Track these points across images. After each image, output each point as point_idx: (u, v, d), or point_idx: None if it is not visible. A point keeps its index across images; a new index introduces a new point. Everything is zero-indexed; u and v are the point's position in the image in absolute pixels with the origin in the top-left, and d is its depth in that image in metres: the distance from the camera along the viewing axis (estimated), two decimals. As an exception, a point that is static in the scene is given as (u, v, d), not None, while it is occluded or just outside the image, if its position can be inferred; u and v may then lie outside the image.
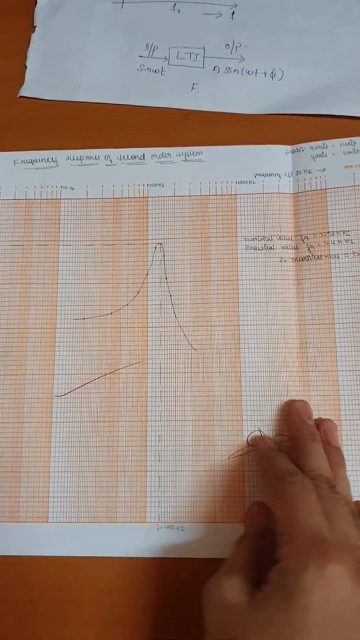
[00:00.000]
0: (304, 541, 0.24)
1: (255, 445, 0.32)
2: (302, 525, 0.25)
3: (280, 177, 0.37)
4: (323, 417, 0.33)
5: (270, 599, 0.23)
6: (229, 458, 0.33)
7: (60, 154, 0.38)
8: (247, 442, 0.33)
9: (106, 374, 0.34)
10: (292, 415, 0.32)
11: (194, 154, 0.37)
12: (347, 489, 0.30)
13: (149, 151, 0.38)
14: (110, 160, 0.38)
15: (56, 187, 0.37)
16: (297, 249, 0.35)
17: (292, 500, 0.26)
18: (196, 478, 0.32)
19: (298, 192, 0.36)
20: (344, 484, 0.30)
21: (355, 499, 0.31)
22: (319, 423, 0.32)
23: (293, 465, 0.29)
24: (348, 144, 0.37)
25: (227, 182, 0.37)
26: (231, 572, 0.26)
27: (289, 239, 0.36)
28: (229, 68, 0.40)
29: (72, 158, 0.38)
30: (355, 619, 0.22)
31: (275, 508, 0.27)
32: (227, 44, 0.41)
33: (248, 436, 0.33)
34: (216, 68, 0.40)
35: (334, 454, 0.31)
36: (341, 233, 0.35)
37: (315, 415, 0.33)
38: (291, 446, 0.32)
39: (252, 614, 0.23)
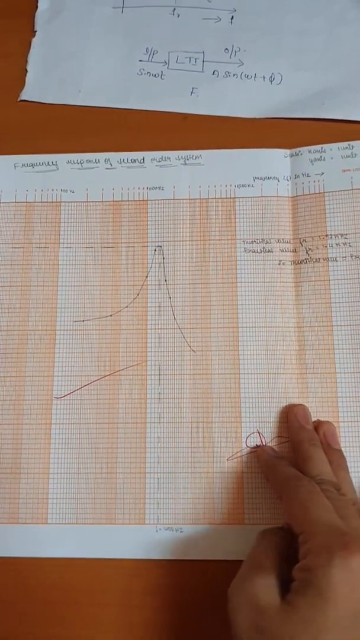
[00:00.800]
0: (324, 536, 0.24)
1: (256, 457, 0.32)
2: (319, 522, 0.25)
3: (278, 181, 0.37)
4: (322, 419, 0.33)
5: (301, 597, 0.23)
6: (227, 460, 0.33)
7: (61, 158, 0.38)
8: (246, 444, 0.33)
9: (106, 376, 0.34)
10: (290, 420, 0.32)
11: (194, 157, 0.38)
12: (352, 491, 0.30)
13: (148, 155, 0.38)
14: (110, 163, 0.38)
15: (56, 190, 0.38)
16: (295, 252, 0.36)
17: (303, 502, 0.26)
18: (195, 480, 0.32)
19: (296, 196, 0.37)
20: (349, 486, 0.30)
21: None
22: (318, 426, 0.32)
23: (296, 470, 0.29)
24: (346, 147, 0.37)
25: (226, 186, 0.37)
26: (260, 571, 0.25)
27: (287, 242, 0.36)
28: (228, 72, 0.40)
29: (72, 161, 0.38)
30: None
31: (287, 513, 0.27)
32: (226, 48, 0.41)
33: (247, 438, 0.33)
34: (215, 72, 0.40)
35: (336, 457, 0.31)
36: (339, 236, 0.35)
37: (313, 417, 0.33)
38: (292, 453, 0.32)
39: (286, 614, 0.23)
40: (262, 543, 0.27)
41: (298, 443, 0.31)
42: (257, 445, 0.33)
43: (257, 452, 0.32)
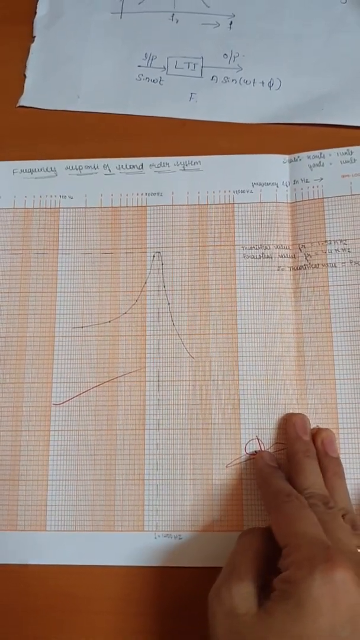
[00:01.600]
0: (307, 549, 0.24)
1: (253, 461, 0.32)
2: (304, 535, 0.25)
3: (277, 187, 0.37)
4: (321, 425, 0.33)
5: (280, 608, 0.23)
6: (226, 466, 0.33)
7: (59, 164, 0.38)
8: (245, 450, 0.33)
9: (104, 382, 0.34)
10: (288, 430, 0.32)
11: (192, 163, 0.38)
12: (345, 499, 0.30)
13: (147, 161, 0.38)
14: (109, 169, 0.38)
15: (55, 196, 0.38)
16: (294, 257, 0.36)
17: (289, 516, 0.26)
18: (194, 486, 0.32)
19: (295, 202, 0.37)
20: (342, 495, 0.30)
21: (356, 507, 0.31)
22: (316, 433, 0.32)
23: (288, 484, 0.29)
24: (345, 153, 0.37)
25: (225, 192, 0.37)
26: (239, 578, 0.25)
27: (286, 248, 0.36)
28: (227, 77, 0.40)
29: (71, 167, 0.38)
30: None
31: (273, 526, 0.27)
32: (225, 54, 0.41)
33: (246, 444, 0.33)
34: (214, 77, 0.40)
35: (332, 465, 0.31)
36: (338, 242, 0.35)
37: (312, 424, 0.33)
38: (287, 462, 0.32)
39: (263, 624, 0.23)
40: (241, 547, 0.27)
41: (293, 454, 0.31)
42: (255, 451, 0.33)
43: (255, 459, 0.32)
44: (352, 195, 0.36)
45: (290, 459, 0.31)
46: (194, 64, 0.41)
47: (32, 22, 0.43)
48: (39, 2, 0.43)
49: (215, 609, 0.25)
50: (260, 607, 0.24)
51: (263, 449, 0.33)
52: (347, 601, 0.22)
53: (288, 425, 0.32)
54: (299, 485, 0.29)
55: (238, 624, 0.23)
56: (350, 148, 0.37)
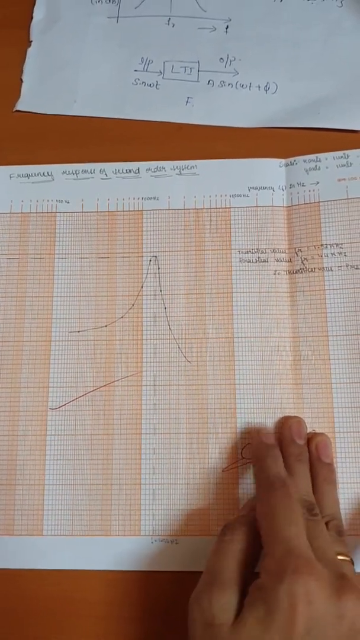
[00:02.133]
0: (280, 555, 0.24)
1: (249, 438, 0.32)
2: (280, 537, 0.25)
3: (274, 191, 0.37)
4: (317, 429, 0.33)
5: (253, 616, 0.23)
6: (223, 471, 0.33)
7: (56, 168, 0.38)
8: (242, 454, 0.33)
9: (101, 387, 0.34)
10: (283, 433, 0.32)
11: (189, 167, 0.38)
12: (333, 506, 0.29)
13: (143, 165, 0.38)
14: (106, 174, 0.38)
15: (52, 200, 0.38)
16: (290, 261, 0.36)
17: (273, 508, 0.26)
18: (190, 491, 0.32)
19: (292, 205, 0.37)
20: (331, 501, 0.30)
21: (351, 512, 0.31)
22: (311, 437, 0.32)
23: (280, 468, 0.29)
24: (341, 157, 0.37)
25: (221, 196, 0.37)
26: (218, 587, 0.25)
27: (282, 252, 0.36)
28: (223, 82, 0.40)
29: (67, 172, 0.38)
30: (333, 632, 0.22)
31: (257, 516, 0.27)
32: (222, 58, 0.41)
33: (242, 449, 0.33)
34: (210, 82, 0.40)
35: (324, 471, 0.31)
36: (334, 246, 0.35)
37: (309, 427, 0.33)
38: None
39: (236, 632, 0.23)
40: (224, 549, 0.27)
41: (285, 457, 0.31)
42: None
43: (250, 434, 0.32)
44: (348, 199, 0.36)
45: (284, 462, 0.31)
46: (191, 68, 0.41)
47: (29, 27, 0.43)
48: (35, 7, 0.43)
49: (194, 615, 0.25)
50: (237, 616, 0.24)
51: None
52: (315, 610, 0.22)
53: (283, 428, 0.32)
54: None
55: (214, 635, 0.24)
56: (346, 152, 0.37)
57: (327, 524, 0.28)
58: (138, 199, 0.37)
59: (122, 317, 0.35)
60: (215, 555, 0.27)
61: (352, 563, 0.27)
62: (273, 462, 0.29)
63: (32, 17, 0.43)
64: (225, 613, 0.24)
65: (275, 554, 0.24)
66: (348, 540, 0.30)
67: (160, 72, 0.41)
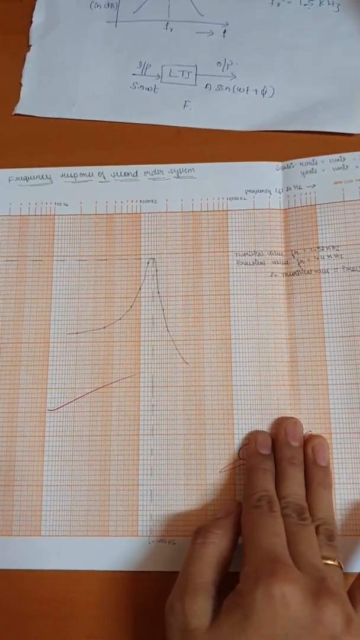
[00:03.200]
0: (258, 561, 0.24)
1: (247, 440, 0.33)
2: (259, 547, 0.25)
3: (270, 194, 0.37)
4: (313, 430, 0.33)
5: (229, 620, 0.23)
6: (220, 471, 0.33)
7: (55, 171, 0.39)
8: (239, 455, 0.33)
9: (99, 388, 0.34)
10: (278, 434, 0.32)
11: (186, 170, 0.38)
12: (325, 510, 0.29)
13: (141, 168, 0.38)
14: (104, 177, 0.38)
15: (50, 203, 0.38)
16: (287, 264, 0.36)
17: (253, 522, 0.27)
18: (188, 492, 0.33)
19: (288, 208, 0.37)
20: (324, 505, 0.29)
21: (347, 513, 0.31)
22: (308, 439, 0.32)
23: (269, 482, 0.29)
24: (337, 160, 0.37)
25: (218, 199, 0.37)
26: (193, 593, 0.25)
27: (279, 254, 0.36)
28: (221, 85, 0.41)
29: (66, 175, 0.38)
30: (308, 636, 0.22)
31: (241, 527, 0.28)
32: (219, 62, 0.41)
33: (239, 450, 0.33)
34: (208, 85, 0.41)
35: (319, 474, 0.31)
36: (331, 248, 0.36)
37: (305, 429, 0.33)
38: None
39: (212, 636, 0.23)
40: (196, 555, 0.27)
41: (278, 460, 0.31)
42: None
43: (248, 440, 0.32)
44: (344, 201, 0.36)
45: (276, 465, 0.31)
46: (188, 72, 0.41)
47: (28, 31, 0.43)
48: (35, 11, 0.43)
49: (170, 621, 0.25)
50: (213, 621, 0.24)
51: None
52: (290, 614, 0.22)
53: (278, 430, 0.32)
54: (279, 493, 0.29)
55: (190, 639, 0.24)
56: (343, 155, 0.37)
57: (317, 528, 0.28)
58: (136, 201, 0.38)
59: (120, 319, 0.36)
60: (188, 560, 0.27)
61: (341, 568, 0.27)
62: (263, 475, 0.30)
63: (31, 22, 0.43)
64: (199, 618, 0.24)
65: (253, 561, 0.25)
66: (345, 541, 0.31)
67: (159, 76, 0.41)
